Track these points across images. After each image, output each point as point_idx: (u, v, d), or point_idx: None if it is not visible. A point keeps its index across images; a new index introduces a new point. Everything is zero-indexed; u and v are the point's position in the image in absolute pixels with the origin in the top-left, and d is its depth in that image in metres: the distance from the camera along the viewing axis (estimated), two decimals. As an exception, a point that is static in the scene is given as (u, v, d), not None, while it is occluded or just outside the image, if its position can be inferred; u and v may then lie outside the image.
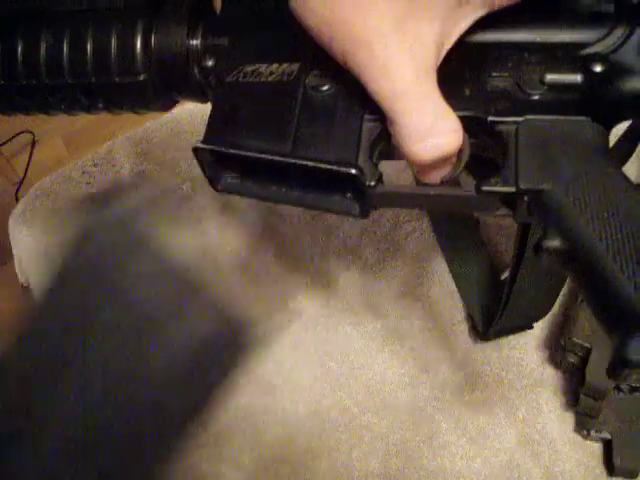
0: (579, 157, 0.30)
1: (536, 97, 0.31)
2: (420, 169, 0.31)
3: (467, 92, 0.31)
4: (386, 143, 0.31)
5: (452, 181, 0.32)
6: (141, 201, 0.64)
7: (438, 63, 0.29)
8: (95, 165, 0.67)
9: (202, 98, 0.38)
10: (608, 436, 0.49)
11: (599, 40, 0.30)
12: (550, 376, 0.53)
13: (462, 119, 0.30)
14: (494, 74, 0.31)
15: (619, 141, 0.37)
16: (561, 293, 0.49)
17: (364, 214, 0.32)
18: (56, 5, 0.37)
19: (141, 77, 0.36)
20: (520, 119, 0.31)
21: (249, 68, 0.33)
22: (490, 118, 0.31)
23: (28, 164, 0.77)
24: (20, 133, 0.76)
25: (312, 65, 0.32)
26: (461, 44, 0.30)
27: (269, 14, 0.34)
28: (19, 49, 0.36)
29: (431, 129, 0.29)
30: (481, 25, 0.30)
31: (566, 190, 0.29)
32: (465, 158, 0.31)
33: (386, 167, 0.32)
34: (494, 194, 0.30)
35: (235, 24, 0.35)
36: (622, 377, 0.26)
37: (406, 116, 0.28)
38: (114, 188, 0.65)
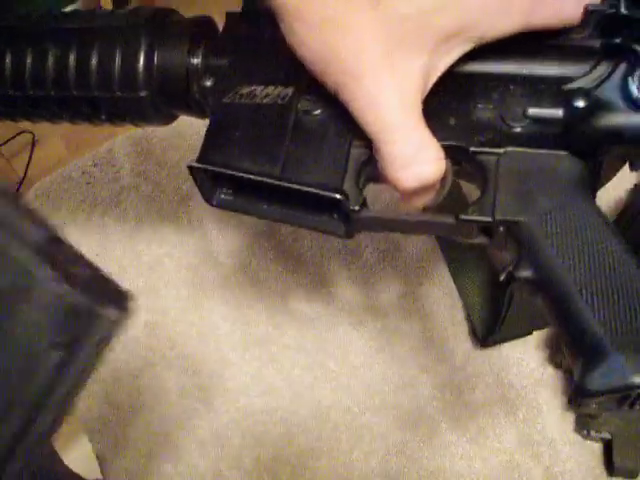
0: (556, 191, 0.30)
1: (518, 129, 0.31)
2: (404, 195, 0.32)
3: (452, 121, 0.32)
4: (373, 168, 0.32)
5: (435, 208, 0.32)
6: (141, 201, 0.64)
7: (424, 94, 0.30)
8: (95, 165, 0.67)
9: (201, 115, 0.39)
10: (608, 436, 0.49)
11: (584, 75, 0.31)
12: (550, 376, 0.53)
13: (446, 148, 0.30)
14: (479, 105, 0.32)
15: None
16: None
17: (349, 235, 0.33)
18: (65, 22, 0.38)
19: (142, 93, 0.37)
20: (501, 151, 0.31)
21: (245, 90, 0.34)
22: (472, 149, 0.31)
23: (28, 164, 0.76)
24: (20, 133, 0.76)
25: (305, 90, 0.33)
26: (448, 74, 0.30)
27: (268, 38, 0.35)
28: (28, 61, 0.38)
29: (414, 158, 0.29)
30: (469, 56, 0.30)
31: (540, 222, 0.30)
32: (448, 186, 0.32)
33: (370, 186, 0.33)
34: (472, 222, 0.31)
35: (236, 46, 0.36)
36: (582, 405, 0.27)
37: (391, 145, 0.29)
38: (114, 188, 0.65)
